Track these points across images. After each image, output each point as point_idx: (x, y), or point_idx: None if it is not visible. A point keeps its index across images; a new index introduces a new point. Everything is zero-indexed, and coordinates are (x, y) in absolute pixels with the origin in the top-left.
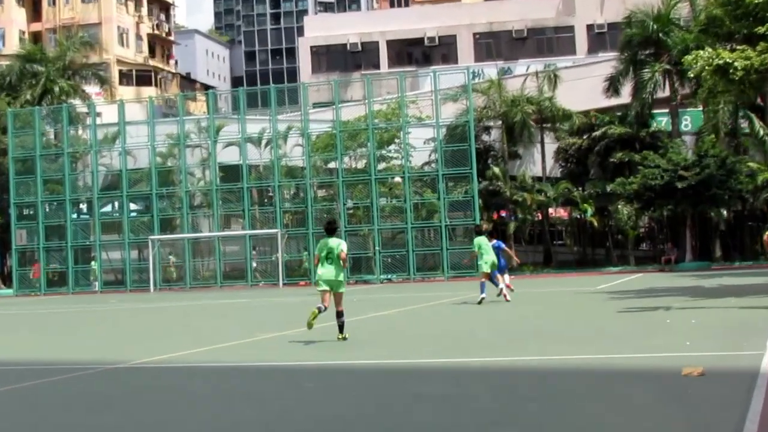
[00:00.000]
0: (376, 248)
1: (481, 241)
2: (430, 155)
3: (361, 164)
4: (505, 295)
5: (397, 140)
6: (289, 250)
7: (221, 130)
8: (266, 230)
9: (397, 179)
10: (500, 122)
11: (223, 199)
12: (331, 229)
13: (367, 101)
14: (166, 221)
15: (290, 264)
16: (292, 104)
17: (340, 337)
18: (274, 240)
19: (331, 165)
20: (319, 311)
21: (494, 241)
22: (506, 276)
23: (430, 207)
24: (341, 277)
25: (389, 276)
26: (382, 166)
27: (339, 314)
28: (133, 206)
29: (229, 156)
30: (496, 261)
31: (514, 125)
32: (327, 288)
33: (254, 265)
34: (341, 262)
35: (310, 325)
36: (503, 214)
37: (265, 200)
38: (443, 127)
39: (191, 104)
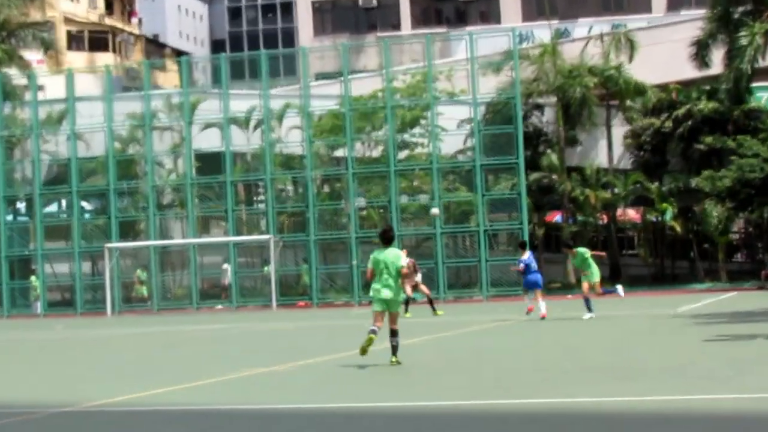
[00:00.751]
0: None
1: (585, 252)
2: (465, 141)
3: (376, 152)
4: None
5: (422, 121)
6: (284, 261)
7: (198, 107)
8: (255, 236)
9: (422, 172)
10: (555, 99)
11: (201, 197)
12: (387, 238)
13: (384, 72)
14: (128, 225)
15: (286, 279)
16: (288, 75)
17: (393, 360)
18: (266, 249)
19: (339, 153)
20: (374, 334)
21: (527, 255)
22: (538, 296)
23: (466, 207)
24: (400, 297)
25: (413, 295)
26: (403, 154)
27: (393, 333)
28: (85, 205)
29: (208, 141)
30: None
31: (572, 102)
32: (383, 309)
33: (233, 280)
34: (400, 278)
35: (364, 351)
36: (558, 216)
37: (254, 198)
38: (482, 105)
39: (159, 75)
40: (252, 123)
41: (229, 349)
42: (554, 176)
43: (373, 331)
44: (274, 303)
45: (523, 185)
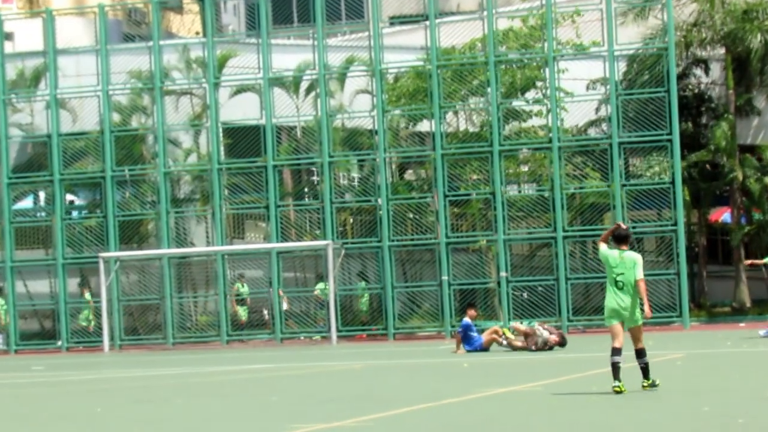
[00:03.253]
0: (502, 274)
1: None
2: (597, 109)
3: (474, 126)
4: None
5: (539, 83)
6: (345, 277)
7: (227, 63)
8: (309, 242)
9: (539, 153)
10: (723, 51)
11: (232, 188)
12: (624, 238)
13: (485, 14)
14: (131, 227)
15: (349, 302)
16: (353, 19)
17: (645, 384)
18: (321, 259)
19: (423, 127)
20: (619, 357)
21: None
22: None
23: (598, 201)
24: (638, 311)
25: (527, 321)
26: (511, 127)
27: (639, 353)
28: (72, 199)
29: (241, 110)
30: None
31: (749, 57)
32: (618, 321)
33: (285, 305)
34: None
35: (619, 389)
36: (725, 214)
37: (307, 189)
38: (621, 61)
39: (174, 19)
40: (303, 86)
41: (272, 399)
42: (722, 159)
43: (617, 354)
44: (334, 335)
45: (678, 171)
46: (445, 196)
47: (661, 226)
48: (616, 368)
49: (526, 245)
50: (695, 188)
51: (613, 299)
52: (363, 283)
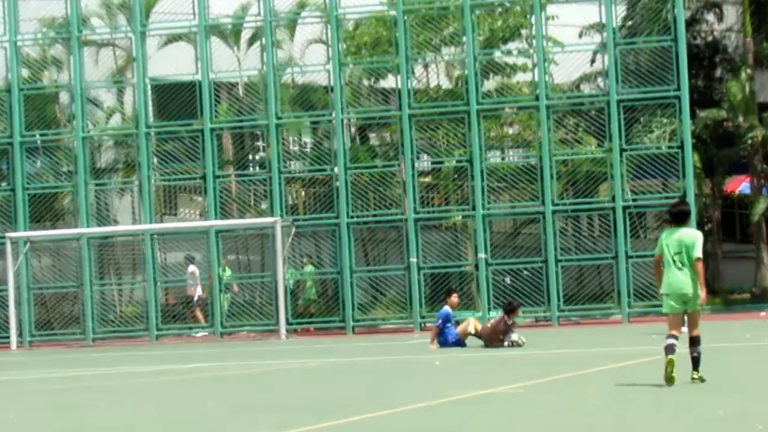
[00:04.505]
0: (481, 255)
1: None
2: (593, 61)
3: (449, 81)
4: None
5: (524, 31)
6: (298, 260)
7: (155, 8)
8: (253, 219)
9: (523, 113)
10: None
11: (162, 155)
12: (681, 215)
13: None
14: (43, 202)
15: (298, 289)
16: None
17: (695, 376)
18: (266, 240)
19: (387, 83)
20: (674, 351)
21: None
22: None
23: (593, 169)
24: (699, 291)
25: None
26: (492, 83)
27: (694, 341)
28: None
29: (173, 64)
30: None
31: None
32: (679, 310)
33: (228, 291)
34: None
35: (670, 378)
36: (744, 184)
37: (251, 157)
38: (621, 4)
39: None
40: (245, 35)
41: (207, 405)
42: (738, 119)
43: (672, 346)
44: (283, 328)
45: (687, 133)
46: (414, 163)
47: (667, 198)
48: (670, 350)
49: (509, 221)
50: (707, 154)
51: (670, 282)
52: (309, 267)
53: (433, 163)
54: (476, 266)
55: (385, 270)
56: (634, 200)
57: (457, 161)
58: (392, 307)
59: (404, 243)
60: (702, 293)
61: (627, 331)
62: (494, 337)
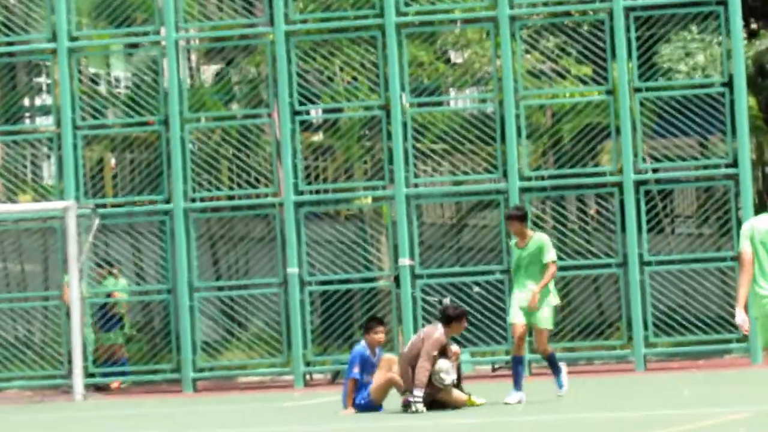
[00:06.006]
0: (405, 261)
1: None
2: None
3: None
4: None
5: None
6: (100, 268)
7: None
8: (30, 205)
9: (471, 29)
10: None
11: None
12: None
13: None
14: None
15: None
16: None
17: None
18: (51, 238)
19: None
20: None
21: None
22: None
23: (587, 121)
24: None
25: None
26: None
27: None
28: None
29: None
30: None
31: None
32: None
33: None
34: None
35: None
36: None
37: (27, 102)
38: None
39: None
40: None
41: None
42: None
43: None
44: (79, 382)
45: (740, 62)
46: (295, 112)
47: (706, 168)
48: None
49: (449, 206)
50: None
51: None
52: (121, 281)
53: (325, 112)
54: (396, 279)
55: (248, 287)
56: (654, 171)
57: (366, 109)
58: (258, 348)
59: (278, 242)
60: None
61: (643, 384)
62: (415, 374)
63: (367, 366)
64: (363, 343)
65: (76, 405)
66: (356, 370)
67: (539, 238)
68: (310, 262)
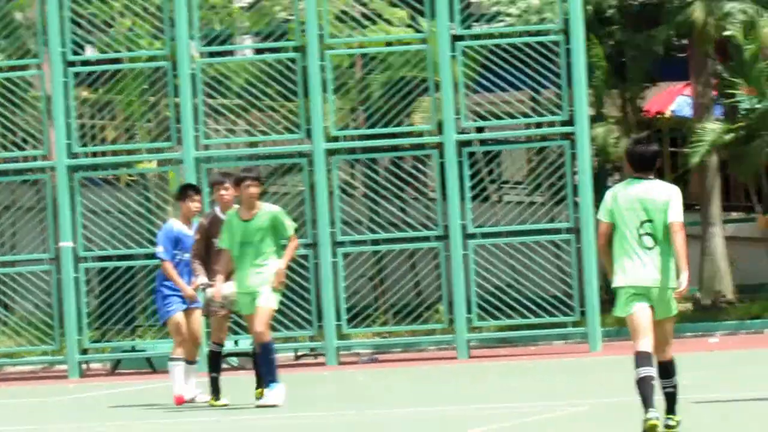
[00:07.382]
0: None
1: None
2: None
3: None
4: None
5: None
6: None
7: None
8: None
9: None
10: None
11: None
12: (648, 159)
13: None
14: None
15: None
16: None
17: (672, 424)
18: None
19: None
20: (649, 370)
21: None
22: None
23: (400, 74)
24: (673, 283)
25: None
26: None
27: (666, 368)
28: None
29: None
30: None
31: None
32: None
33: None
34: (677, 243)
35: (654, 426)
36: (681, 97)
37: None
38: None
39: None
40: None
41: None
42: None
43: (645, 364)
44: None
45: (577, 4)
46: (68, 64)
47: (539, 127)
48: (646, 387)
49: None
50: (615, 41)
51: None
52: None
53: (103, 63)
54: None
55: (14, 264)
56: (479, 131)
57: (149, 59)
58: (27, 334)
59: (49, 212)
60: (683, 279)
61: (465, 374)
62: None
63: (181, 242)
64: (170, 221)
65: None
66: (160, 249)
67: (270, 209)
68: (86, 235)
